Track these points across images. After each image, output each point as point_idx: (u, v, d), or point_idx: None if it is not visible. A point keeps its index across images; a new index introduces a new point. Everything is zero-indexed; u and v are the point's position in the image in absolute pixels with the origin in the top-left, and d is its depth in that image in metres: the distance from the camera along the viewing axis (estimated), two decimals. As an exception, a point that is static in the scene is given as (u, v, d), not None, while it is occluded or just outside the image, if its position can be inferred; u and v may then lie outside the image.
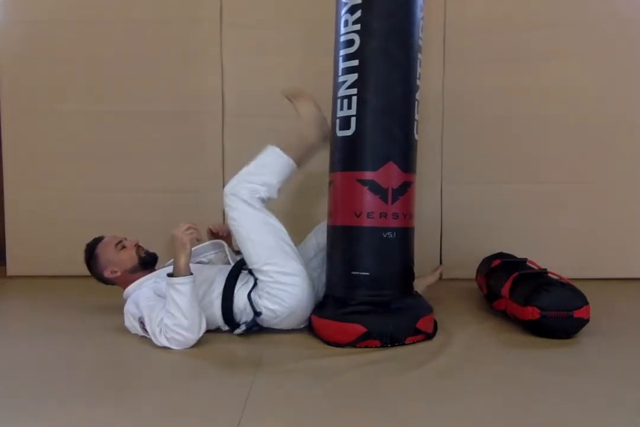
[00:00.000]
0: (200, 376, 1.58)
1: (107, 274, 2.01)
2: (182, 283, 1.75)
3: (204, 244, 2.16)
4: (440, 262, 2.95)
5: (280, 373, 1.59)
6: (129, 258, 2.02)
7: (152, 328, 1.76)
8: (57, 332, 1.99)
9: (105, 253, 2.02)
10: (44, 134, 2.93)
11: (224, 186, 2.87)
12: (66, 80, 2.90)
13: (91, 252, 2.04)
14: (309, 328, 1.94)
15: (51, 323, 2.11)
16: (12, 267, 3.00)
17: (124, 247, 2.03)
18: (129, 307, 1.89)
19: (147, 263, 2.05)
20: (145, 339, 1.82)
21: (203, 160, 2.94)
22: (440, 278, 2.47)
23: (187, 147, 2.92)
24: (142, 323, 1.81)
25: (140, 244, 2.09)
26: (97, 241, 2.07)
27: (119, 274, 2.01)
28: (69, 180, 2.94)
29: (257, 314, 1.87)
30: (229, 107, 2.90)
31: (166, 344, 1.75)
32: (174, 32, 2.87)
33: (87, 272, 2.07)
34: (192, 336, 1.75)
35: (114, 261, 2.01)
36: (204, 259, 2.20)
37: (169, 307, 1.74)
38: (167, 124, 2.91)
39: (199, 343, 1.80)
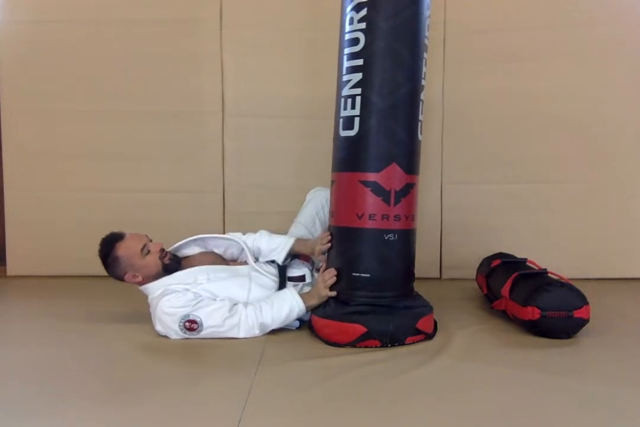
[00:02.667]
0: (200, 376, 1.58)
1: (127, 278, 1.92)
2: (302, 311, 1.90)
3: (184, 241, 2.10)
4: (440, 262, 2.95)
5: (280, 373, 1.59)
6: (153, 264, 1.92)
7: (219, 315, 1.82)
8: (57, 332, 1.98)
9: (130, 257, 1.89)
10: (44, 134, 2.93)
11: (224, 186, 2.95)
12: (66, 80, 2.89)
13: (110, 251, 1.89)
14: (309, 328, 1.94)
15: (51, 323, 2.10)
16: (12, 267, 2.99)
17: (148, 251, 1.91)
18: (162, 315, 1.83)
19: (172, 270, 1.95)
20: (145, 340, 1.82)
21: (203, 160, 2.94)
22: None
23: (187, 147, 2.92)
24: (190, 322, 1.80)
25: (163, 249, 1.97)
26: (116, 238, 1.91)
27: (140, 279, 1.92)
28: (69, 180, 2.94)
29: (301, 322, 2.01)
30: (229, 107, 2.90)
31: (240, 325, 1.84)
32: (174, 32, 2.87)
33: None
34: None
35: (137, 266, 1.90)
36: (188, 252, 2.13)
37: (270, 308, 1.86)
38: (167, 124, 2.91)
39: (199, 343, 1.81)
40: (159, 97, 2.90)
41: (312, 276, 2.12)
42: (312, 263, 2.19)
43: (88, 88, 2.90)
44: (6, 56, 2.90)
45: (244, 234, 2.18)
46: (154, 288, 1.91)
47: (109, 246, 1.90)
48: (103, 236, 1.95)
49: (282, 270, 2.06)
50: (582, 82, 2.84)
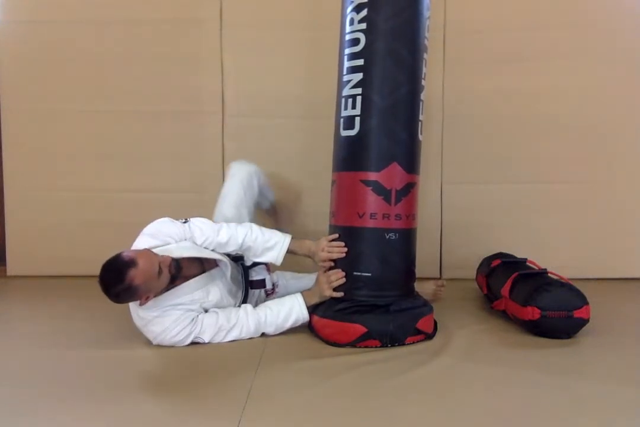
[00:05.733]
0: (201, 376, 1.58)
1: (142, 302, 1.73)
2: (305, 321, 1.91)
3: (191, 281, 1.86)
4: (440, 262, 2.95)
5: (280, 373, 1.60)
6: (164, 280, 1.74)
7: (221, 331, 1.82)
8: (57, 332, 1.99)
9: (149, 284, 1.68)
10: (44, 134, 2.93)
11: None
12: (66, 80, 2.89)
13: (122, 280, 1.63)
14: (309, 328, 1.94)
15: (51, 323, 2.11)
16: (12, 267, 2.99)
17: (162, 271, 1.71)
18: (163, 343, 1.79)
19: (173, 282, 1.80)
20: (145, 340, 1.82)
21: (203, 160, 2.94)
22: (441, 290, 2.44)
23: (187, 147, 2.92)
24: (193, 342, 1.80)
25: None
26: (128, 265, 1.64)
27: (151, 298, 1.75)
28: (69, 180, 2.94)
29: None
30: (229, 107, 2.90)
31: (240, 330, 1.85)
32: (174, 32, 2.86)
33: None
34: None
35: (153, 288, 1.72)
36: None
37: (276, 319, 1.86)
38: (167, 124, 2.91)
39: (199, 343, 1.81)
40: (159, 97, 2.90)
41: (271, 281, 2.14)
42: (269, 270, 2.17)
43: (88, 88, 2.90)
44: (6, 56, 2.90)
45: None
46: (148, 306, 1.76)
47: (121, 275, 1.63)
48: (131, 257, 1.67)
49: (246, 273, 2.05)
50: (582, 82, 2.84)
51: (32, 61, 2.90)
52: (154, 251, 1.78)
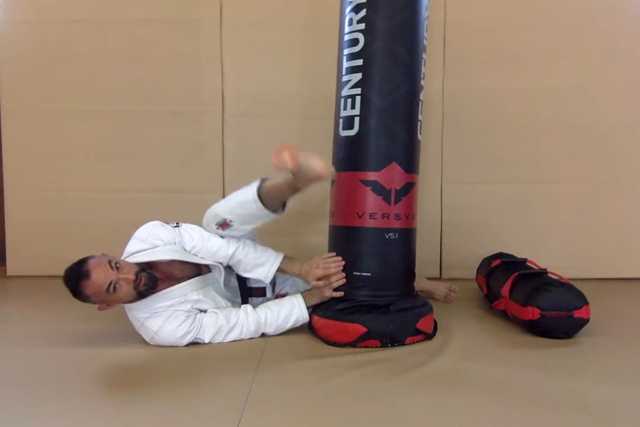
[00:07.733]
0: (201, 376, 1.58)
1: (100, 307, 1.79)
2: (305, 322, 1.92)
3: (184, 283, 1.88)
4: (440, 262, 2.95)
5: (280, 373, 1.59)
6: (126, 295, 1.74)
7: (220, 332, 1.83)
8: (57, 332, 1.99)
9: (97, 295, 1.72)
10: (44, 134, 2.93)
11: (224, 186, 2.94)
12: (66, 80, 2.90)
13: (75, 288, 1.72)
14: (309, 328, 1.94)
15: (51, 323, 2.11)
16: (12, 267, 3.00)
17: (115, 288, 1.70)
18: (162, 343, 1.80)
19: (147, 295, 1.78)
20: (145, 340, 1.82)
21: (203, 160, 2.94)
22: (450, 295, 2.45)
23: (187, 147, 2.92)
24: (192, 343, 1.80)
25: (139, 272, 1.75)
26: (81, 276, 1.71)
27: (113, 307, 1.80)
28: (69, 181, 2.94)
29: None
30: (229, 107, 2.90)
31: (241, 328, 1.86)
32: (174, 32, 2.87)
33: None
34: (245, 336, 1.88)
35: (108, 300, 1.76)
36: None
37: (276, 320, 1.87)
38: (167, 124, 2.91)
39: (199, 343, 1.81)
40: (159, 97, 2.90)
41: (272, 291, 2.10)
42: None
43: (88, 88, 2.90)
44: (6, 56, 2.91)
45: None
46: (140, 306, 1.80)
47: (75, 283, 1.73)
48: (88, 268, 1.72)
49: (242, 281, 2.03)
50: (581, 82, 2.84)
51: (32, 61, 2.90)
52: (139, 255, 1.84)
